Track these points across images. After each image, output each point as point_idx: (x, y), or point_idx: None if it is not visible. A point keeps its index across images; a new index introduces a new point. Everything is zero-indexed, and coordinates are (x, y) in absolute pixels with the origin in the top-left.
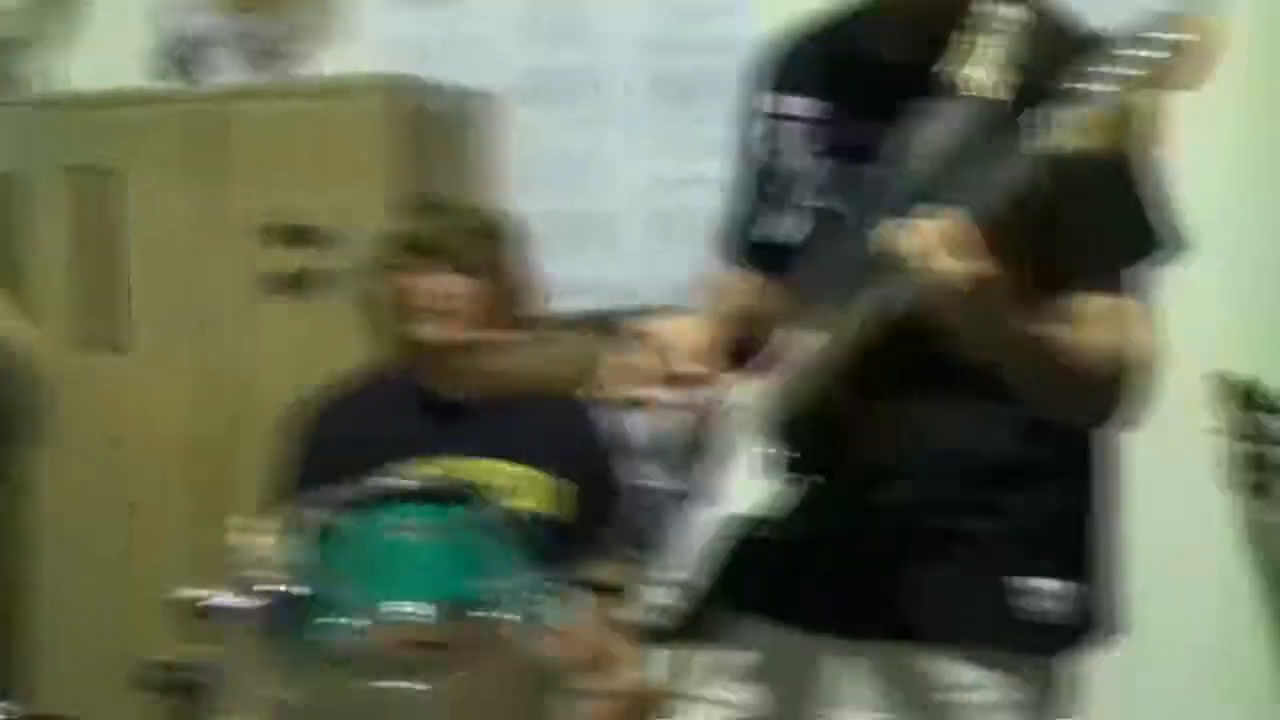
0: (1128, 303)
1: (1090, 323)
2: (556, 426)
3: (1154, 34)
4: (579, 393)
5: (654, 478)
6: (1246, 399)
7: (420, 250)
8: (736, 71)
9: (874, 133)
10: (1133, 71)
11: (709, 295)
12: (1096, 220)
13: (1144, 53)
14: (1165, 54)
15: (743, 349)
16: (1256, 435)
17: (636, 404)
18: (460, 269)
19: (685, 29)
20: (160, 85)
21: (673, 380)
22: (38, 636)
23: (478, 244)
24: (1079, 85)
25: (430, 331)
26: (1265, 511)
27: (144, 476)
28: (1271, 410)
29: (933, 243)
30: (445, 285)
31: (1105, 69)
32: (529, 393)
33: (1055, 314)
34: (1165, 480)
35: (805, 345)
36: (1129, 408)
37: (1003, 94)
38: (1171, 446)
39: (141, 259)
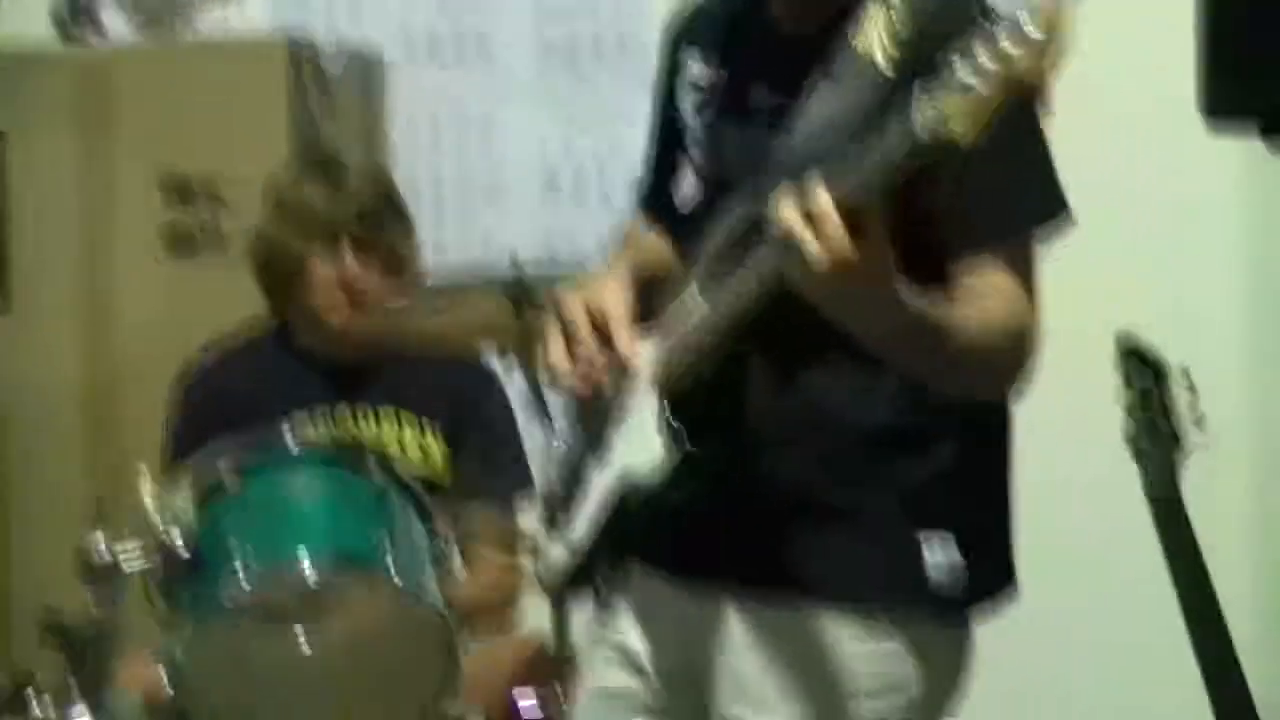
0: (1013, 274)
1: (977, 296)
2: (448, 384)
3: (1016, 25)
4: (489, 352)
5: (565, 436)
6: (1125, 358)
7: (329, 237)
8: (629, 37)
9: (766, 100)
10: (993, 63)
11: (620, 247)
12: (978, 192)
13: (1005, 43)
14: (1023, 47)
15: (647, 305)
16: (1133, 397)
17: (572, 382)
18: (368, 255)
19: None
20: (47, 42)
21: (600, 351)
22: None
23: (384, 228)
24: (947, 69)
25: (338, 318)
26: (1147, 480)
27: (30, 434)
28: (1158, 375)
29: (796, 218)
30: (354, 273)
31: (972, 55)
32: (429, 353)
33: (941, 289)
34: (1084, 447)
35: (687, 310)
36: (1019, 380)
37: (890, 66)
38: (1084, 412)
39: (27, 218)
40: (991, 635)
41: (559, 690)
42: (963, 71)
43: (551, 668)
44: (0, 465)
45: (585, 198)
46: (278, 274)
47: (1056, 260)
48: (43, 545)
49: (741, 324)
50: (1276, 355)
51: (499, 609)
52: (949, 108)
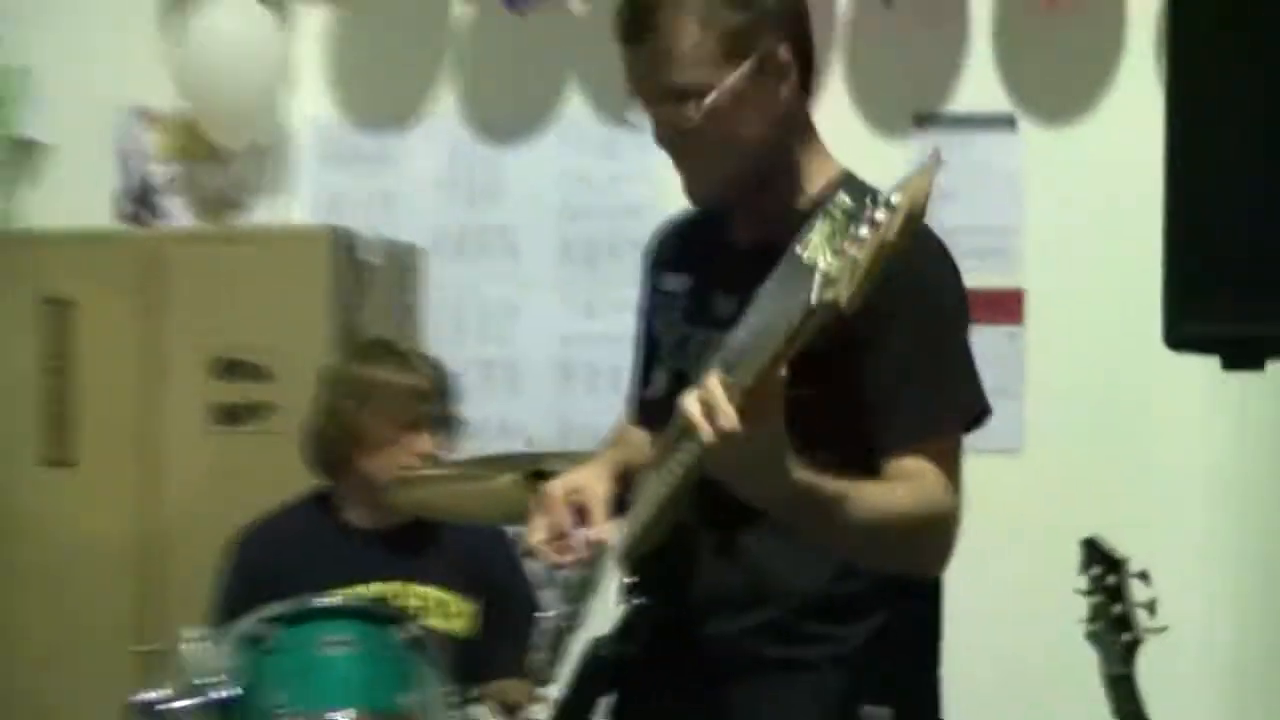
0: (937, 465)
1: (897, 481)
2: (470, 553)
3: (884, 199)
4: (502, 525)
5: (551, 609)
6: (1089, 554)
7: (420, 417)
8: (639, 237)
9: (723, 304)
10: (867, 231)
11: (609, 442)
12: (901, 384)
13: (876, 213)
14: (888, 213)
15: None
16: (1094, 588)
17: (552, 559)
18: (436, 433)
19: (594, 197)
20: (115, 225)
21: (574, 537)
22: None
23: (449, 407)
24: (838, 246)
25: (400, 491)
26: (1105, 664)
27: (85, 581)
28: (1108, 564)
29: (694, 405)
30: (428, 448)
31: (854, 232)
32: (453, 522)
33: (860, 471)
34: (1045, 634)
35: (647, 489)
36: (937, 559)
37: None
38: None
39: (93, 380)
40: None
41: None
42: (848, 245)
43: None
44: (53, 609)
45: (596, 382)
46: (347, 448)
47: (1033, 467)
48: (91, 688)
49: (682, 500)
50: (1230, 557)
51: None
52: (833, 273)
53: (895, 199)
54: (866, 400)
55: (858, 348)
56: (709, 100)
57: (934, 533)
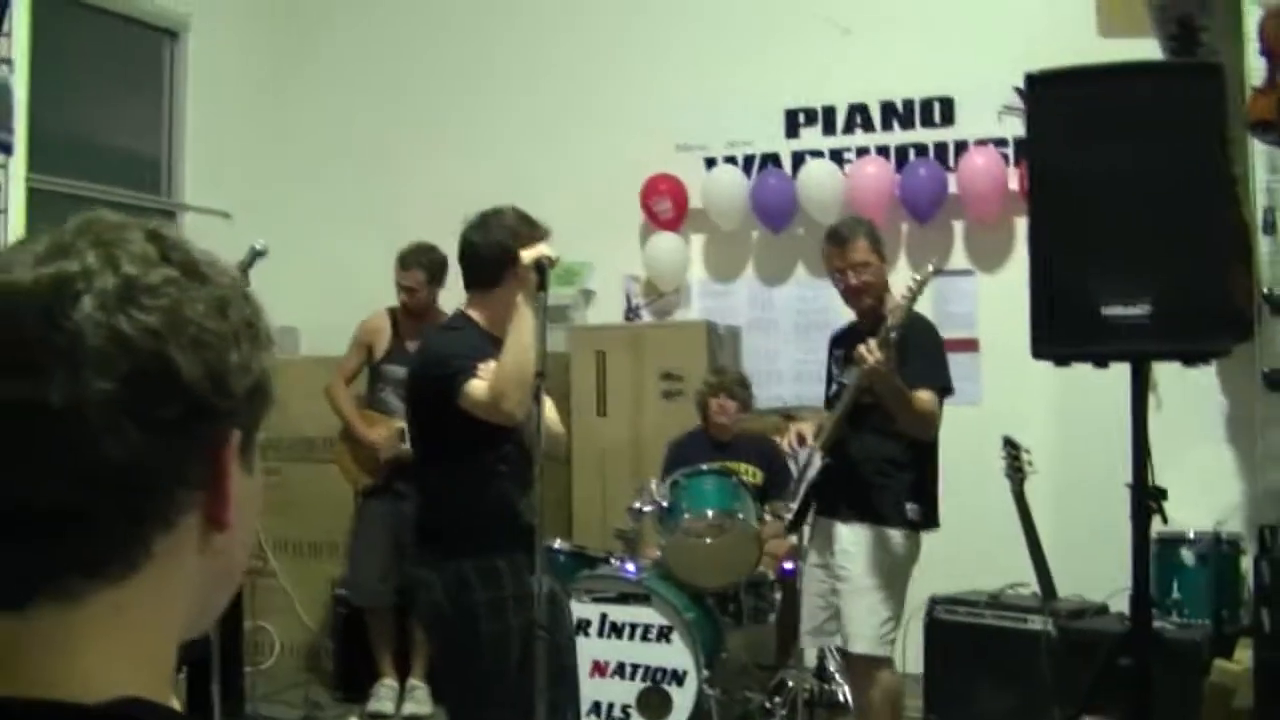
0: (930, 395)
1: (918, 400)
2: (761, 448)
3: (916, 278)
4: (772, 436)
5: (797, 466)
6: (1006, 442)
7: (724, 391)
8: (827, 324)
9: (854, 355)
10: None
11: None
12: (921, 367)
13: (911, 283)
14: (915, 285)
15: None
16: (1007, 455)
17: (795, 447)
18: (735, 399)
19: (807, 306)
20: (624, 322)
21: (802, 439)
22: (573, 510)
23: (742, 389)
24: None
25: (723, 419)
26: (1012, 487)
27: (608, 466)
28: (1016, 448)
29: (866, 352)
30: (731, 407)
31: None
32: (753, 435)
33: (910, 394)
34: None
35: (830, 419)
36: (927, 431)
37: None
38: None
39: (614, 386)
40: (933, 541)
41: (799, 563)
42: (897, 308)
43: (794, 551)
44: (601, 474)
45: (810, 382)
46: (706, 409)
47: (985, 412)
48: (619, 506)
49: (844, 418)
50: (1052, 443)
51: (778, 534)
52: (891, 320)
53: (917, 279)
54: (910, 373)
55: (908, 358)
56: (870, 270)
57: (929, 420)
